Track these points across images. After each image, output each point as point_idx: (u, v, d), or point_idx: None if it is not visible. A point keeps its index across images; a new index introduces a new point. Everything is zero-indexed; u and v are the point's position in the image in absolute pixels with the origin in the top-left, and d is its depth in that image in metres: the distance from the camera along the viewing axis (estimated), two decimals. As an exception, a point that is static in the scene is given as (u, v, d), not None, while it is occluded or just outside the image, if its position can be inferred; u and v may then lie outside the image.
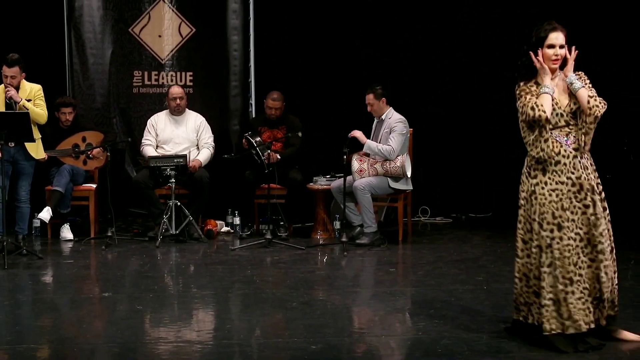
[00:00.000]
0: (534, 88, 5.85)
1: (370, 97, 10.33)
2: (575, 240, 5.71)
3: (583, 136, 5.79)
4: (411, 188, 10.36)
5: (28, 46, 10.55)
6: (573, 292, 5.68)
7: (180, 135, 11.02)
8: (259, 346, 6.18)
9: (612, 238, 5.87)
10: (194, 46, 11.83)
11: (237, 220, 11.19)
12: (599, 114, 5.72)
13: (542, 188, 5.80)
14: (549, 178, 5.79)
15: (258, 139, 10.19)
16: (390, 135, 10.12)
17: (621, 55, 12.03)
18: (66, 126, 10.98)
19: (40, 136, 9.83)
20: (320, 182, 10.76)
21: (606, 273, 5.77)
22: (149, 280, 8.50)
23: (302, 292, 7.84)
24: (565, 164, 5.76)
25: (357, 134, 10.18)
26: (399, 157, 10.08)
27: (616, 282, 5.92)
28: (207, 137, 11.09)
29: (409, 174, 10.16)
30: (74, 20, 11.65)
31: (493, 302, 7.30)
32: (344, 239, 10.05)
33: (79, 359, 5.97)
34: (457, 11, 12.01)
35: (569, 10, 11.68)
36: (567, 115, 5.78)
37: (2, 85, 9.63)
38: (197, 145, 11.03)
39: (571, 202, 5.74)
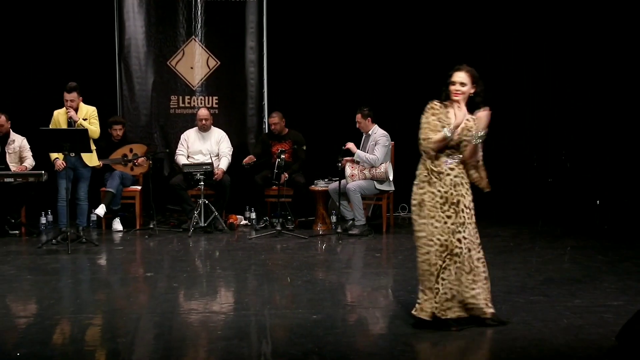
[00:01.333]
0: (440, 110, 5.79)
1: (358, 117, 10.37)
2: (437, 242, 5.65)
3: (462, 163, 5.76)
4: (393, 189, 10.38)
5: (88, 76, 10.56)
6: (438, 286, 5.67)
7: (206, 147, 11.02)
8: (270, 316, 6.18)
9: (472, 250, 5.71)
10: (219, 76, 11.84)
11: (253, 215, 11.20)
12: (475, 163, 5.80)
13: (422, 197, 5.75)
14: (427, 189, 5.73)
15: (283, 156, 10.24)
16: (375, 147, 10.15)
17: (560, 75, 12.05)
18: (117, 140, 10.99)
19: (95, 148, 9.85)
20: (320, 185, 10.77)
21: (455, 273, 5.63)
22: (183, 263, 8.51)
23: (305, 272, 7.85)
24: (439, 179, 5.71)
25: (350, 145, 10.21)
26: (383, 165, 10.10)
27: (483, 285, 5.74)
28: (225, 147, 11.07)
29: (391, 177, 10.19)
30: (123, 55, 11.66)
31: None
32: (339, 230, 10.09)
33: (128, 326, 5.96)
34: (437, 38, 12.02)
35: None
36: (456, 141, 5.73)
37: (64, 108, 9.66)
38: (218, 154, 11.03)
39: (438, 212, 5.67)
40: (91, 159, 9.82)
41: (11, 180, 10.10)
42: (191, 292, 7.13)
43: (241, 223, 11.11)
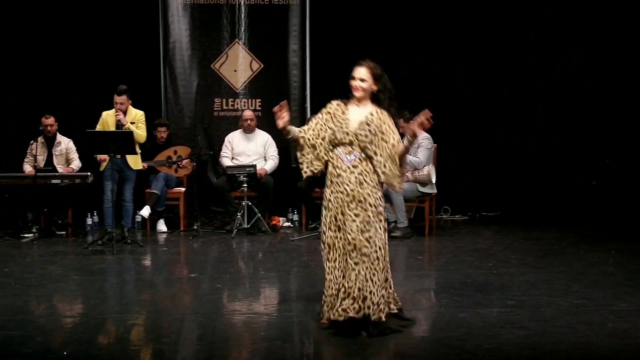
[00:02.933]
0: (336, 107, 5.77)
1: (401, 122, 10.33)
2: (346, 243, 5.57)
3: (369, 159, 5.63)
4: (435, 192, 10.33)
5: (133, 79, 10.61)
6: (343, 285, 5.59)
7: (251, 149, 11.07)
8: (313, 317, 6.17)
9: (382, 249, 5.59)
10: (262, 78, 11.87)
11: (295, 217, 11.21)
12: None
13: (330, 195, 5.69)
14: (334, 187, 5.66)
15: None
16: (417, 150, 10.12)
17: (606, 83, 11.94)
18: (162, 142, 11.06)
19: (140, 151, 9.92)
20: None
21: (365, 274, 5.52)
22: (226, 264, 8.54)
23: (348, 274, 7.83)
24: (343, 177, 5.61)
25: None
26: (425, 167, 10.07)
27: (378, 286, 5.59)
28: (273, 150, 11.12)
29: (433, 180, 10.15)
30: (168, 59, 11.74)
31: (501, 283, 7.25)
32: (381, 232, 10.08)
33: (172, 326, 5.99)
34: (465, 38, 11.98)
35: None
36: (352, 136, 5.62)
37: (113, 110, 9.75)
38: (265, 157, 11.07)
39: (345, 210, 5.58)
40: (136, 162, 9.90)
41: (58, 181, 10.23)
42: (234, 293, 7.15)
43: (284, 225, 11.13)
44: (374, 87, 5.75)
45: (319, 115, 5.86)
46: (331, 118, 5.75)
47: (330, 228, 5.66)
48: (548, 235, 10.20)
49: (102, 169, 9.83)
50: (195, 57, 11.81)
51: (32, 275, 7.81)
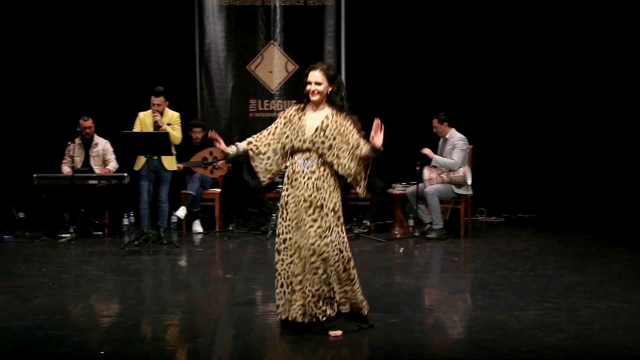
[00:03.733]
0: (293, 113, 5.73)
1: (435, 122, 10.33)
2: (304, 249, 5.54)
3: (328, 164, 5.62)
4: (471, 193, 10.29)
5: (169, 80, 10.65)
6: (301, 289, 5.57)
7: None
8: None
9: (344, 251, 5.60)
10: (298, 79, 11.86)
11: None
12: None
13: (287, 197, 5.65)
14: (291, 191, 5.63)
15: None
16: (453, 151, 10.09)
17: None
18: (197, 143, 11.11)
19: (176, 153, 9.97)
20: (398, 188, 10.73)
21: (331, 277, 5.55)
22: (261, 265, 8.55)
23: (383, 275, 7.82)
24: (300, 182, 5.59)
25: (427, 151, 10.16)
26: (461, 168, 10.03)
27: (344, 289, 5.64)
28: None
29: (469, 182, 10.10)
30: (204, 60, 11.81)
31: (538, 285, 7.20)
32: (416, 234, 10.09)
33: (207, 327, 6.02)
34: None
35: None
36: (309, 143, 5.58)
37: (150, 110, 9.80)
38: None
39: (302, 215, 5.55)
40: (171, 163, 9.95)
41: (95, 182, 10.31)
42: (270, 294, 7.12)
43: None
44: (329, 89, 5.70)
45: (278, 120, 5.86)
46: (289, 124, 5.72)
47: (285, 230, 5.65)
48: (585, 237, 10.11)
49: (137, 168, 9.88)
50: (230, 59, 11.87)
51: (69, 275, 7.88)
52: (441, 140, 10.38)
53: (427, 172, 10.13)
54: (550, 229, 10.83)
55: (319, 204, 5.54)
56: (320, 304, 5.55)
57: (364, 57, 11.76)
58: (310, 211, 5.53)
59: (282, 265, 5.68)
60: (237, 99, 11.90)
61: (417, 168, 10.09)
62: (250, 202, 11.28)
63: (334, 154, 5.62)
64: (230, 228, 10.48)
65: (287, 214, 5.63)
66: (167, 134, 9.39)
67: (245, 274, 8.19)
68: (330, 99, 5.70)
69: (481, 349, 5.32)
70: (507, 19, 11.89)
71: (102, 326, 6.07)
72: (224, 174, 11.11)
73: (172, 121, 9.82)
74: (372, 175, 10.52)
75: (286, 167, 5.77)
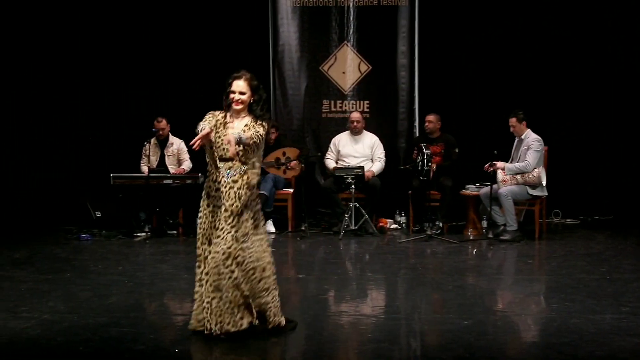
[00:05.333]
0: (218, 121, 5.67)
1: (513, 120, 10.20)
2: (220, 253, 5.43)
3: (248, 172, 5.54)
4: (546, 194, 10.15)
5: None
6: (215, 298, 5.45)
7: (358, 150, 11.09)
8: (420, 320, 6.15)
9: (260, 260, 5.56)
10: (370, 80, 11.89)
11: (403, 219, 11.18)
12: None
13: (205, 209, 5.57)
14: (210, 201, 5.55)
15: (429, 151, 10.11)
16: (527, 152, 9.98)
17: None
18: (270, 143, 11.15)
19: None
20: (471, 189, 10.65)
21: (246, 283, 5.47)
22: (334, 266, 8.57)
23: (456, 277, 7.75)
24: (222, 192, 5.50)
25: (500, 165, 10.03)
26: (536, 170, 9.91)
27: (257, 301, 5.56)
28: (380, 152, 11.12)
29: (544, 183, 9.97)
30: (277, 61, 11.88)
31: (614, 289, 7.06)
32: (490, 236, 10.00)
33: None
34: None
35: None
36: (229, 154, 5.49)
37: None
38: (372, 159, 11.07)
39: (222, 224, 5.45)
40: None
41: (170, 182, 10.44)
42: (342, 295, 7.16)
43: (391, 227, 11.11)
44: (252, 99, 5.69)
45: (204, 122, 5.72)
46: (214, 128, 5.67)
47: (203, 242, 5.59)
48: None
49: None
50: (304, 60, 11.91)
51: (144, 273, 7.99)
52: (516, 140, 10.27)
53: (501, 174, 10.03)
54: (627, 232, 10.64)
55: (239, 212, 5.51)
56: (236, 311, 5.49)
57: (438, 56, 11.69)
58: (230, 220, 5.49)
59: (201, 272, 5.62)
60: (310, 99, 11.94)
61: (491, 169, 10.01)
62: (322, 202, 11.31)
63: (252, 163, 5.61)
64: (303, 228, 10.52)
65: (204, 224, 5.59)
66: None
67: (318, 274, 8.21)
68: (250, 108, 5.69)
69: (556, 353, 5.24)
70: (588, 17, 11.69)
71: (176, 324, 6.13)
72: (297, 174, 11.15)
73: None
74: (442, 175, 10.57)
75: (207, 175, 5.72)
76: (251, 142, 5.48)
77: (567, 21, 11.70)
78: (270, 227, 10.85)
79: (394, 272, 8.14)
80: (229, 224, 5.48)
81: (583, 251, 9.25)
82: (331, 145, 11.29)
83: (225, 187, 5.53)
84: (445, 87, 11.70)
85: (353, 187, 10.39)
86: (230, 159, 5.54)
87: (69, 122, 11.81)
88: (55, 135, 11.80)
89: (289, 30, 11.86)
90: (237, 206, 5.50)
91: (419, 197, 10.57)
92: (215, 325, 5.47)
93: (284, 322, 5.74)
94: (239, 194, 5.52)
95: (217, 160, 5.60)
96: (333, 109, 11.94)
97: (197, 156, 10.54)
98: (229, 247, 5.44)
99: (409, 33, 11.78)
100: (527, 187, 9.97)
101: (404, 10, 11.74)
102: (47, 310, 6.40)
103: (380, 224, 10.85)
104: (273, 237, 10.51)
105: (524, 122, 10.17)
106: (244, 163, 5.57)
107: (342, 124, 11.70)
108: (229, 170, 5.56)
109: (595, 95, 11.77)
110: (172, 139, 10.93)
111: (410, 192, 10.75)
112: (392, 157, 11.36)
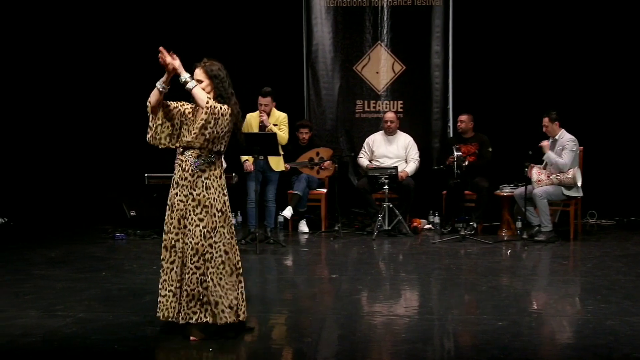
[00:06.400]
0: (189, 111, 5.68)
1: (546, 120, 10.13)
2: (189, 247, 5.42)
3: (216, 162, 5.54)
4: (581, 195, 10.07)
5: (277, 81, 10.74)
6: (179, 288, 5.47)
7: (392, 151, 11.06)
8: (454, 321, 6.11)
9: (229, 253, 5.48)
10: (404, 80, 11.86)
11: (436, 219, 11.14)
12: (214, 111, 5.41)
13: (174, 198, 5.53)
14: (179, 190, 5.50)
15: (459, 153, 10.05)
16: (562, 152, 9.90)
17: None
18: (304, 143, 11.19)
19: (283, 153, 10.04)
20: (505, 190, 10.59)
21: (212, 279, 5.40)
22: (367, 266, 8.55)
23: (490, 278, 7.71)
24: (190, 181, 5.46)
25: (545, 143, 10.03)
26: (570, 170, 9.84)
27: (227, 289, 5.47)
28: (414, 153, 11.08)
29: (579, 183, 9.89)
30: (311, 61, 11.88)
31: (651, 291, 7.01)
32: (524, 236, 9.94)
33: (313, 326, 6.04)
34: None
35: None
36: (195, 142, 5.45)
37: (257, 111, 9.93)
38: (406, 159, 11.04)
39: (190, 214, 5.43)
40: (278, 163, 10.04)
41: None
42: (375, 295, 7.15)
43: (425, 227, 11.07)
44: (212, 86, 5.67)
45: (177, 105, 5.76)
46: (183, 116, 5.68)
47: (171, 230, 5.57)
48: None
49: (247, 170, 10.00)
50: (337, 59, 11.91)
51: (178, 272, 8.02)
52: (550, 140, 10.19)
53: (535, 174, 9.97)
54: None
55: (207, 203, 5.48)
56: (193, 304, 5.48)
57: (472, 56, 11.63)
58: (198, 210, 5.47)
59: (166, 264, 5.61)
60: (343, 99, 11.93)
61: (526, 169, 9.95)
62: (356, 202, 11.31)
63: (219, 151, 5.58)
64: (336, 228, 10.51)
65: (173, 213, 5.57)
66: (275, 135, 9.46)
67: (351, 274, 8.20)
68: (220, 96, 5.66)
69: (591, 355, 5.20)
70: (624, 16, 11.58)
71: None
72: (330, 174, 11.15)
73: (278, 122, 9.93)
74: (477, 175, 10.52)
75: (174, 165, 5.68)
76: (195, 91, 5.50)
77: (603, 20, 11.60)
78: (304, 227, 10.87)
79: (428, 272, 8.11)
80: (197, 215, 5.47)
81: (619, 252, 9.16)
82: (365, 145, 11.27)
83: (193, 175, 5.51)
84: (479, 87, 11.64)
85: (387, 187, 10.36)
86: (200, 147, 5.48)
87: (105, 122, 11.91)
88: (91, 135, 11.91)
89: (322, 30, 11.86)
90: (204, 197, 5.49)
91: (453, 198, 10.52)
92: (179, 314, 5.51)
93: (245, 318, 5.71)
94: (206, 184, 5.52)
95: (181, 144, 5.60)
96: (367, 109, 11.92)
97: (231, 156, 10.61)
98: (197, 244, 5.45)
99: (442, 33, 11.73)
100: (562, 188, 9.90)
101: (437, 10, 11.70)
102: (83, 308, 6.45)
103: (414, 225, 10.81)
104: (306, 237, 10.54)
105: (557, 122, 10.09)
106: (209, 153, 5.54)
107: (375, 124, 11.68)
108: (196, 160, 5.53)
109: (631, 95, 11.66)
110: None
111: (444, 192, 10.75)
112: (425, 158, 11.32)
